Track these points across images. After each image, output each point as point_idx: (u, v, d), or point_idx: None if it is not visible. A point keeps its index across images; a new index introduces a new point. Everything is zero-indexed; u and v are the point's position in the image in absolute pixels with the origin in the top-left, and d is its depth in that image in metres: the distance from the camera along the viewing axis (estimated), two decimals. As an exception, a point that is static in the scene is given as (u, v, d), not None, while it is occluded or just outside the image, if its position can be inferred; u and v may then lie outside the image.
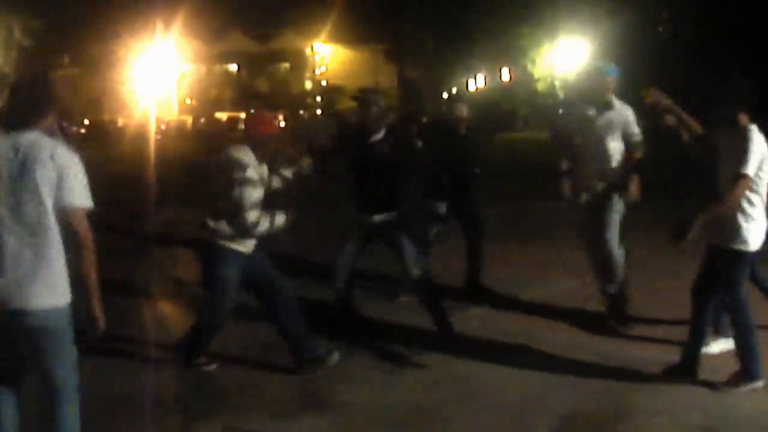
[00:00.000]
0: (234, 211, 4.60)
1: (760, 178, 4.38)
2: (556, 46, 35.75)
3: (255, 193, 4.62)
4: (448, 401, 4.43)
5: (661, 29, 24.26)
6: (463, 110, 6.67)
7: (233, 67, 62.51)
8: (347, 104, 49.94)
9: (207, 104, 53.15)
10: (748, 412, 4.28)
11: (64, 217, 3.16)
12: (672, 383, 4.60)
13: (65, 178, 3.14)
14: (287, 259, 6.63)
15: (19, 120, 3.20)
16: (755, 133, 4.39)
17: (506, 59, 41.28)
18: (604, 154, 5.62)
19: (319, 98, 57.01)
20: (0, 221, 3.13)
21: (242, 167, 4.60)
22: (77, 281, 3.23)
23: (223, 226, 4.66)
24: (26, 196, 3.12)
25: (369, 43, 56.37)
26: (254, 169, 4.67)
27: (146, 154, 25.68)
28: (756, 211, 4.45)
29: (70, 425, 3.27)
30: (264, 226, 4.66)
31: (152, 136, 37.11)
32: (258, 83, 59.82)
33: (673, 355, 4.80)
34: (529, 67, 38.50)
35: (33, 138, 3.16)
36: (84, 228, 3.19)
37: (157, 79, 48.20)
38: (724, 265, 4.54)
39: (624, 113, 5.64)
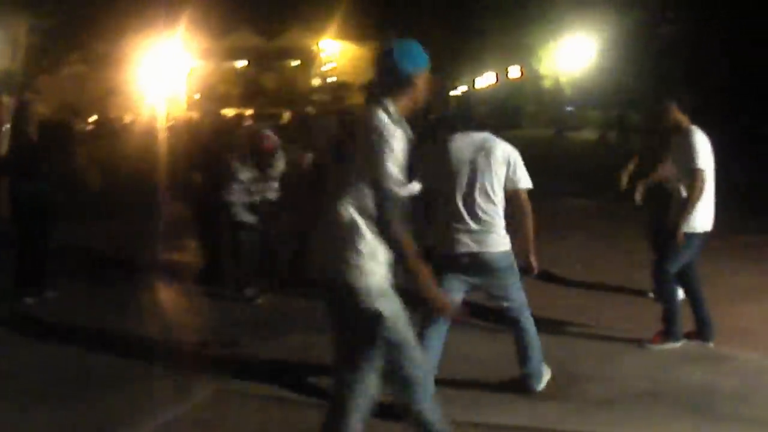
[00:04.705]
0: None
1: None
2: (561, 44, 35.52)
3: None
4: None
5: (665, 28, 24.12)
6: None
7: (241, 64, 62.48)
8: (355, 101, 49.71)
9: (214, 101, 53.11)
10: (689, 381, 4.90)
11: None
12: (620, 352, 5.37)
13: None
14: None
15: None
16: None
17: (515, 57, 41.12)
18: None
19: (326, 95, 56.88)
20: None
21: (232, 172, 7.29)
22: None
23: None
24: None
25: (377, 39, 56.20)
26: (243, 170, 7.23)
27: (153, 151, 25.66)
28: None
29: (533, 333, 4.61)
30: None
31: (160, 132, 37.01)
32: (265, 80, 59.74)
33: (621, 324, 5.77)
34: (535, 64, 38.33)
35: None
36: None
37: (165, 75, 48.16)
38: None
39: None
